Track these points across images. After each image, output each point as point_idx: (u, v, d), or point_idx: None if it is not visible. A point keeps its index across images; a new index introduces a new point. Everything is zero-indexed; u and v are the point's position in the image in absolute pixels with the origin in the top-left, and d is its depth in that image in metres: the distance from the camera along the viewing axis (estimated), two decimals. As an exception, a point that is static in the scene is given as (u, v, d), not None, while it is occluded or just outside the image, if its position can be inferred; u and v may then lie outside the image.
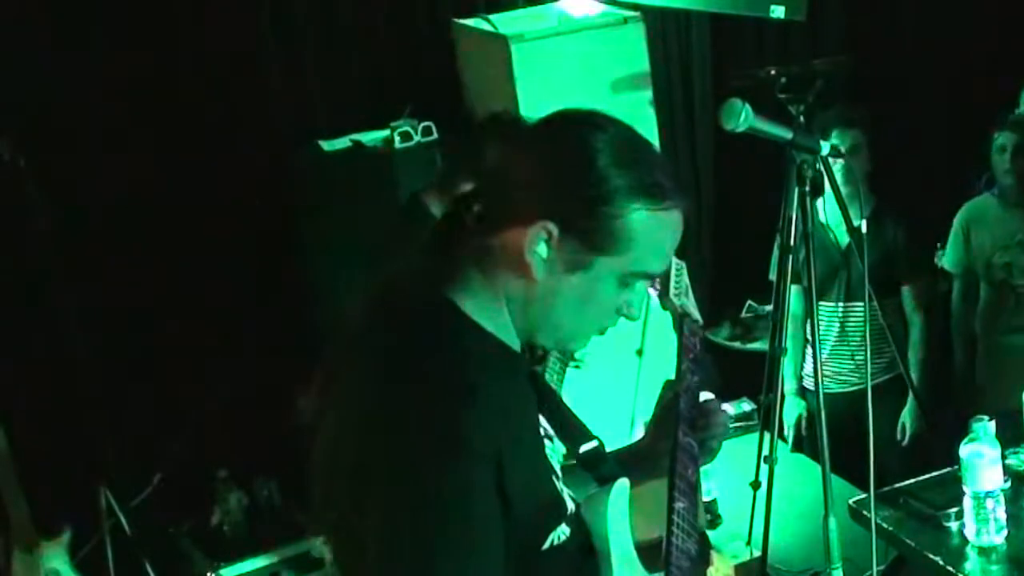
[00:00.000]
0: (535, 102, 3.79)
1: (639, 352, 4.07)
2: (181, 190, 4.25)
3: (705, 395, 2.05)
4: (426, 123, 4.06)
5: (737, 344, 5.06)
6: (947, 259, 4.28)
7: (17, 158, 3.72)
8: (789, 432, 4.29)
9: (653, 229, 1.61)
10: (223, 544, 4.04)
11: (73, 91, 4.07)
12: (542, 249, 1.59)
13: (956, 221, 4.21)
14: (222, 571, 3.91)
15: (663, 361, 4.15)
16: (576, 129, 1.63)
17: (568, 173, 1.59)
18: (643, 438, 2.01)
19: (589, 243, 1.59)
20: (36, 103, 4.04)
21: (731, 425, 4.31)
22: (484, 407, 1.54)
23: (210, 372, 4.33)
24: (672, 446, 1.92)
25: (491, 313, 1.64)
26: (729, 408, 4.40)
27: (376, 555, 1.53)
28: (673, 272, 2.28)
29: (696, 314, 2.27)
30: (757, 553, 3.40)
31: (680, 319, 2.22)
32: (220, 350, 4.35)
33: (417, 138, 4.04)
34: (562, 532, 1.68)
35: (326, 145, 4.15)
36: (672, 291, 2.27)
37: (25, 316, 4.06)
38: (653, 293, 2.28)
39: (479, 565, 1.52)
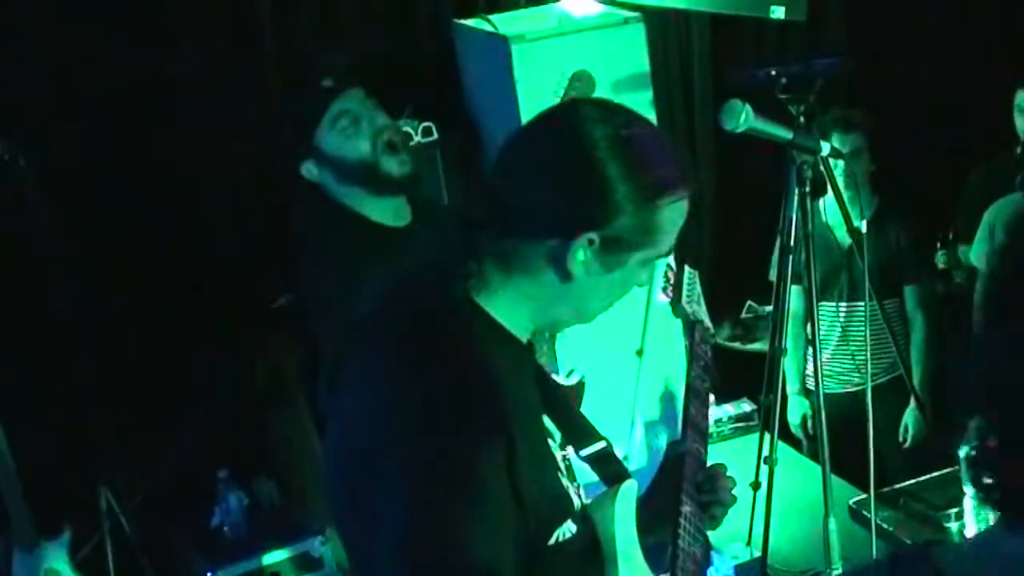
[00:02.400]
0: (535, 102, 3.79)
1: (639, 352, 4.07)
2: (181, 190, 4.25)
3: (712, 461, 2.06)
4: (426, 123, 4.06)
5: (737, 344, 5.07)
6: (973, 253, 4.25)
7: (17, 158, 3.72)
8: (796, 431, 4.29)
9: (676, 216, 1.68)
10: (223, 544, 4.03)
11: (73, 91, 4.07)
12: (581, 255, 1.63)
13: (985, 216, 4.17)
14: (222, 571, 3.91)
15: (663, 361, 4.16)
16: (584, 138, 1.63)
17: (593, 190, 1.62)
18: (645, 497, 1.94)
19: (628, 245, 1.64)
20: (36, 103, 4.04)
21: (731, 425, 4.36)
22: (497, 397, 1.58)
23: (210, 372, 4.33)
24: (680, 453, 1.94)
25: (507, 309, 1.68)
26: (729, 408, 4.41)
27: (388, 536, 1.54)
28: (686, 280, 2.32)
29: (708, 321, 2.32)
30: (757, 553, 3.40)
31: (692, 326, 2.26)
32: (220, 350, 4.34)
33: (417, 138, 4.04)
34: (568, 529, 1.69)
35: (326, 145, 4.14)
36: (684, 298, 2.31)
37: (25, 316, 4.05)
38: (664, 300, 2.34)
39: (493, 544, 1.53)
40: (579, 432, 1.86)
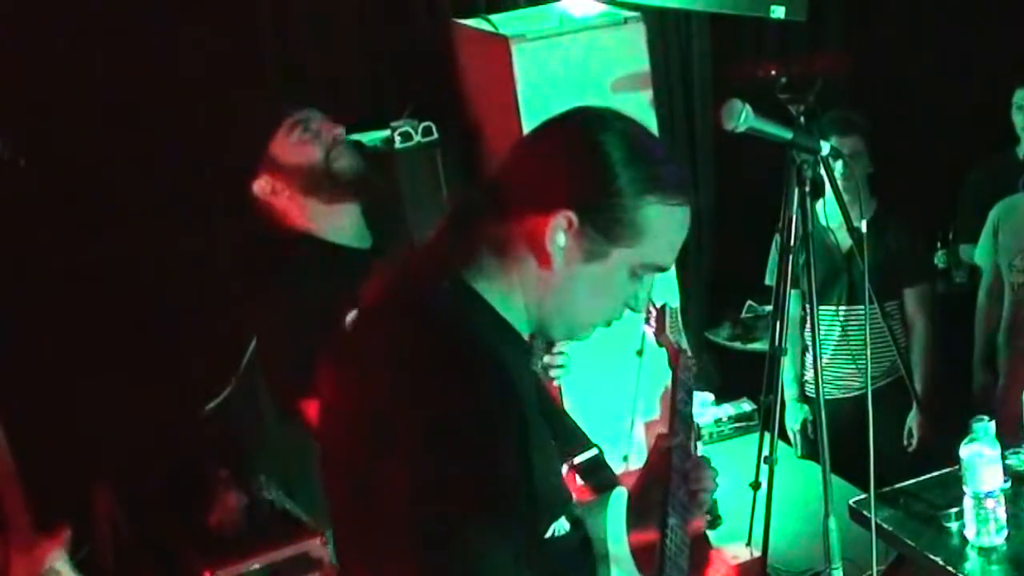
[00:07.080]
0: (535, 102, 3.80)
1: (639, 352, 4.07)
2: (181, 190, 4.25)
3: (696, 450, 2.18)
4: (426, 123, 4.06)
5: (737, 344, 5.07)
6: (977, 253, 4.25)
7: (17, 158, 3.72)
8: (795, 439, 4.28)
9: (665, 223, 1.67)
10: (223, 544, 4.03)
11: (73, 91, 4.07)
12: (561, 238, 1.62)
13: (989, 216, 4.17)
14: (221, 571, 3.91)
15: (663, 362, 4.16)
16: (592, 124, 1.67)
17: (586, 166, 1.63)
18: (632, 489, 1.96)
19: (607, 234, 1.63)
20: (36, 103, 4.04)
21: (731, 425, 4.37)
22: (505, 377, 1.57)
23: (210, 372, 4.33)
24: (666, 469, 1.95)
25: (505, 299, 1.68)
26: (729, 408, 4.41)
27: (400, 508, 1.53)
28: (668, 313, 2.49)
29: (689, 351, 2.47)
30: (757, 553, 3.41)
31: (676, 355, 2.40)
32: (219, 350, 4.34)
33: (417, 138, 4.04)
34: (562, 526, 1.70)
35: (326, 145, 4.14)
36: (668, 329, 2.47)
37: (25, 315, 4.05)
38: (649, 331, 2.53)
39: (505, 518, 1.52)
40: (571, 439, 1.86)
